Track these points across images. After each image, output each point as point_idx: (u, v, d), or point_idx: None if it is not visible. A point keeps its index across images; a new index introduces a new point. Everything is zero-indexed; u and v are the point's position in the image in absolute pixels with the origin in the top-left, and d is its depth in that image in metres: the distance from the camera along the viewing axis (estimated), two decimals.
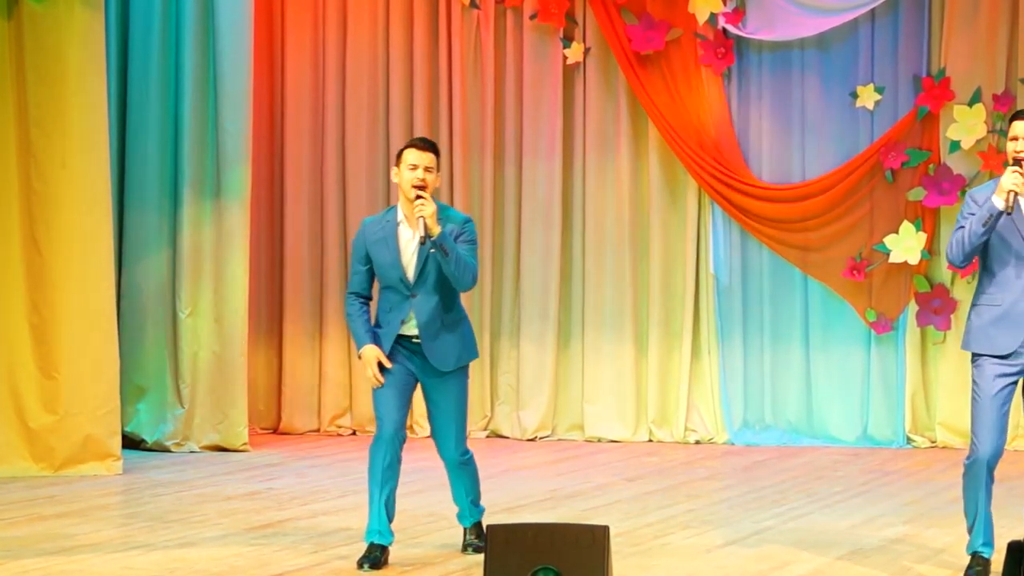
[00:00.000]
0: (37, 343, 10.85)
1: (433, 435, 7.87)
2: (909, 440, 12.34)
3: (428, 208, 7.43)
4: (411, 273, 7.60)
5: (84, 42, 10.84)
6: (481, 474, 10.90)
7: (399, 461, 7.75)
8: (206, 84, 12.22)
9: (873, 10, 12.34)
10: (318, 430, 13.34)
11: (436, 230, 7.44)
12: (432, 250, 7.50)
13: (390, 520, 7.75)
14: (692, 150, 12.52)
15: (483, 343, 13.03)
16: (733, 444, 12.56)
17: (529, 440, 12.79)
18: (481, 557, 6.44)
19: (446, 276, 7.55)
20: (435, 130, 13.11)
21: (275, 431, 13.42)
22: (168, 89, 12.24)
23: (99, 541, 8.34)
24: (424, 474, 10.96)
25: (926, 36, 12.32)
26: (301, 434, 13.29)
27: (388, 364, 7.63)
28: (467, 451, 7.90)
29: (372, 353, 7.62)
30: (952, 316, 12.23)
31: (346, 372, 13.32)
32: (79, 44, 10.83)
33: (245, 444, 12.24)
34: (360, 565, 7.62)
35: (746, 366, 12.69)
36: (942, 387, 12.31)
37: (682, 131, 12.56)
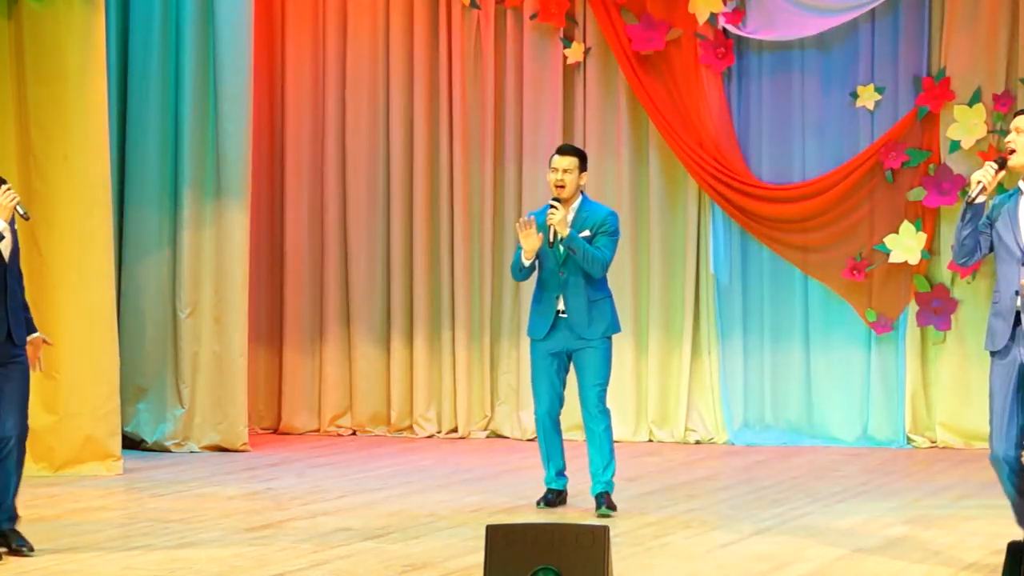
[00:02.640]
0: None
1: (579, 395, 9.17)
2: (909, 440, 12.34)
3: (556, 216, 8.95)
4: (551, 232, 9.03)
5: (84, 42, 10.84)
6: (481, 474, 10.92)
7: (557, 429, 9.29)
8: (206, 84, 12.23)
9: (873, 10, 12.34)
10: (318, 430, 13.34)
11: (564, 232, 8.95)
12: (562, 250, 8.96)
13: (560, 471, 9.33)
14: (692, 150, 12.52)
15: (483, 343, 13.05)
16: (733, 444, 12.56)
17: (529, 440, 12.78)
18: (481, 557, 6.43)
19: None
20: (435, 130, 13.12)
21: (275, 431, 13.43)
22: (168, 89, 12.24)
23: (99, 541, 8.34)
24: (424, 474, 10.97)
25: (926, 36, 12.32)
26: (301, 434, 13.30)
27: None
28: (605, 409, 9.19)
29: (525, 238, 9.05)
30: (952, 316, 12.23)
31: (346, 372, 13.32)
32: (79, 44, 10.84)
33: (245, 444, 12.24)
34: (538, 504, 9.29)
35: (746, 366, 12.69)
36: (942, 387, 12.31)
37: (682, 131, 12.56)
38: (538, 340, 9.17)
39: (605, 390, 9.18)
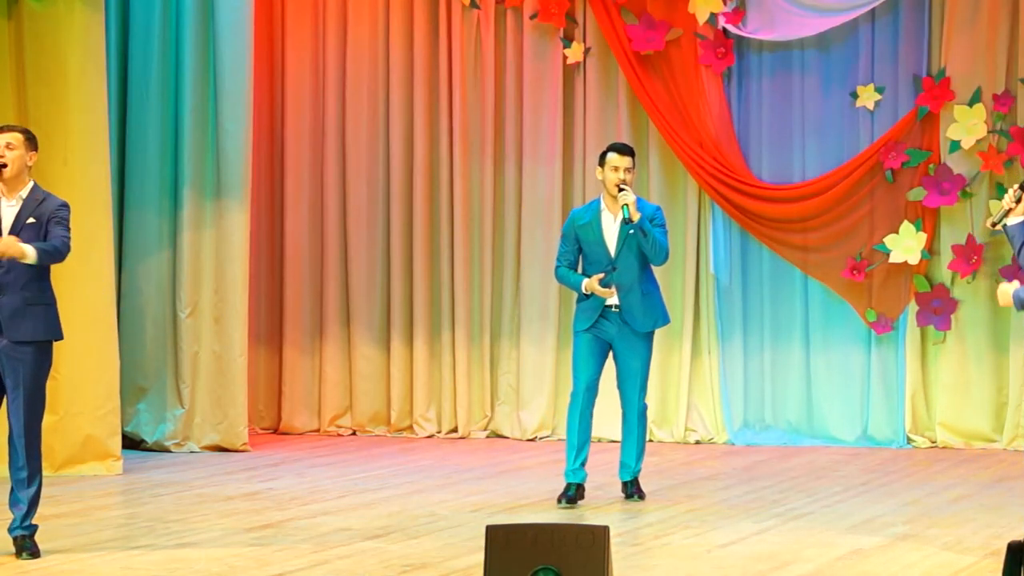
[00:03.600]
0: None
1: (619, 387, 9.49)
2: (909, 440, 12.34)
3: (631, 196, 9.18)
4: (613, 249, 9.32)
5: (84, 42, 10.85)
6: (481, 473, 10.92)
7: (591, 414, 9.44)
8: (206, 84, 12.23)
9: (873, 10, 12.34)
10: (318, 430, 13.34)
11: (637, 216, 9.17)
12: (631, 232, 9.19)
13: (584, 462, 9.39)
14: (692, 150, 12.52)
15: (483, 343, 13.05)
16: (733, 444, 12.56)
17: (529, 440, 12.79)
18: (481, 557, 6.43)
19: (641, 253, 9.28)
20: (435, 130, 13.12)
21: (275, 431, 13.43)
22: (168, 89, 12.24)
23: (99, 541, 8.34)
24: (424, 474, 10.97)
25: (926, 36, 12.31)
26: (301, 434, 13.30)
27: (603, 283, 9.28)
28: (645, 404, 9.53)
29: (590, 280, 9.29)
30: (952, 316, 12.23)
31: (346, 372, 13.32)
32: (79, 44, 10.84)
33: (245, 444, 12.24)
34: (559, 501, 9.35)
35: (746, 366, 12.70)
36: (942, 387, 12.31)
37: (682, 131, 12.56)
38: (581, 330, 9.41)
39: (647, 386, 9.54)
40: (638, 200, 9.32)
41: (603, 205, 9.46)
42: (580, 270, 9.53)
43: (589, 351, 9.42)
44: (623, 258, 9.34)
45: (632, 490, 9.63)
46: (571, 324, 12.90)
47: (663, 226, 9.41)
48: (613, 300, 9.35)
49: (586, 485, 9.53)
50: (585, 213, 9.52)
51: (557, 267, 9.57)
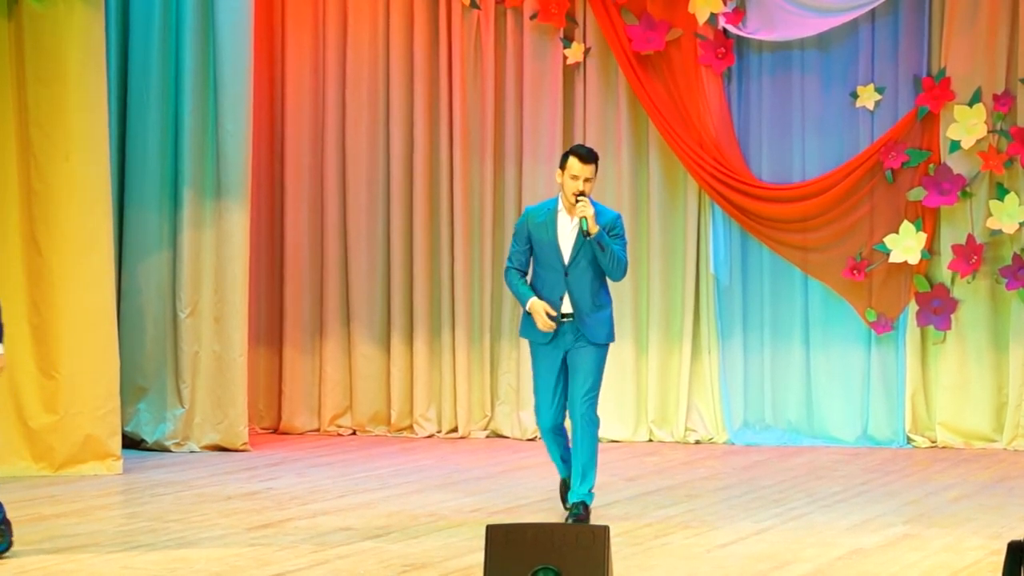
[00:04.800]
0: (37, 343, 10.85)
1: (568, 397, 8.82)
2: (909, 440, 12.34)
3: (589, 210, 8.54)
4: (567, 256, 8.69)
5: (84, 42, 10.85)
6: (481, 473, 10.91)
7: (564, 436, 8.95)
8: (206, 84, 12.23)
9: (873, 10, 12.34)
10: (318, 430, 13.34)
11: (595, 229, 8.56)
12: (588, 242, 8.60)
13: (568, 462, 8.96)
14: (692, 150, 12.52)
15: (483, 343, 13.05)
16: (733, 444, 12.56)
17: (529, 440, 12.79)
18: (481, 557, 6.43)
19: (597, 263, 8.67)
20: (435, 130, 13.12)
21: (275, 431, 13.43)
22: (168, 89, 12.24)
23: (99, 541, 8.34)
24: (424, 474, 10.97)
25: (926, 36, 12.31)
26: (301, 434, 13.30)
27: (553, 312, 8.67)
28: (595, 417, 8.82)
29: (539, 304, 8.70)
30: (952, 316, 12.23)
31: (346, 372, 13.32)
32: (79, 44, 10.84)
33: (245, 444, 12.25)
34: (563, 502, 9.05)
35: (746, 366, 12.69)
36: (942, 387, 12.31)
37: (682, 131, 12.56)
38: (542, 343, 8.79)
39: (597, 398, 8.84)
40: (596, 207, 8.69)
41: (560, 206, 8.76)
42: (531, 271, 8.91)
43: (548, 369, 8.79)
44: (577, 266, 8.69)
45: (577, 512, 8.76)
46: None
47: (623, 237, 8.77)
48: (567, 308, 8.70)
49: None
50: (541, 212, 8.83)
51: (507, 268, 8.91)
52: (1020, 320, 12.12)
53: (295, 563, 7.73)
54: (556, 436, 8.91)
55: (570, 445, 8.93)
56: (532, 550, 6.25)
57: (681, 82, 12.63)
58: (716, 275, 12.68)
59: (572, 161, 8.63)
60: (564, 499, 9.05)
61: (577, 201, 8.57)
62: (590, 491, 8.81)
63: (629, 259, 12.65)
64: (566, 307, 8.71)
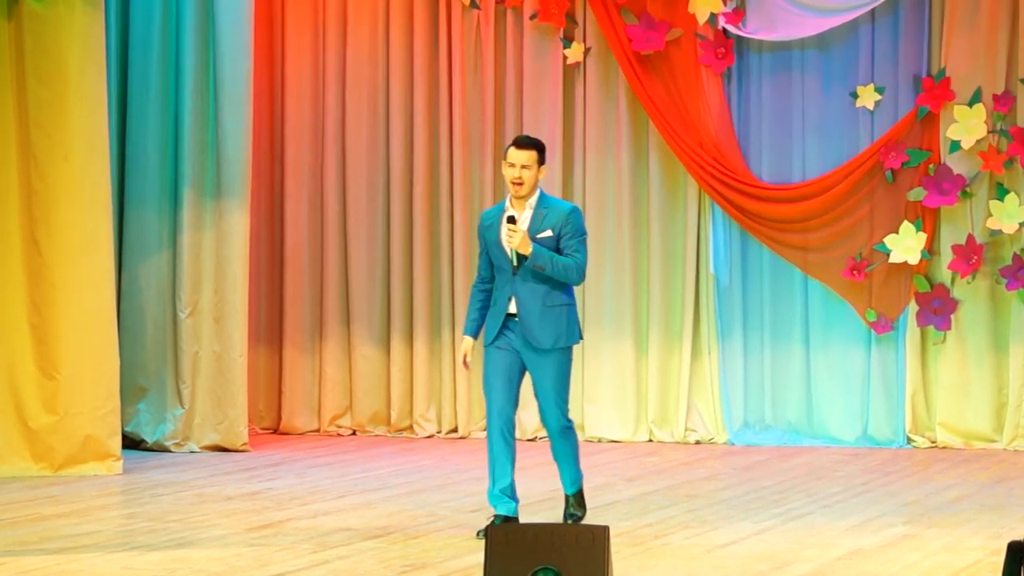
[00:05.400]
0: (37, 343, 10.86)
1: (539, 408, 8.48)
2: (909, 440, 12.34)
3: (515, 240, 8.14)
4: (514, 255, 8.23)
5: (84, 42, 10.85)
6: (481, 474, 10.91)
7: (511, 437, 8.34)
8: (206, 84, 12.23)
9: (873, 10, 12.34)
10: (318, 430, 13.34)
11: (527, 251, 8.16)
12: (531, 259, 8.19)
13: (506, 489, 8.33)
14: (692, 150, 12.52)
15: (483, 343, 13.03)
16: (733, 444, 12.56)
17: (529, 440, 12.78)
18: (481, 557, 6.43)
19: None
20: (435, 130, 13.12)
21: (275, 431, 13.43)
22: (168, 89, 12.25)
23: (99, 541, 8.34)
24: (424, 474, 10.97)
25: (926, 36, 12.32)
26: (301, 434, 13.30)
27: (469, 360, 8.45)
28: (568, 421, 8.46)
29: (464, 344, 8.51)
30: (952, 316, 12.23)
31: (346, 372, 13.32)
32: (79, 44, 10.84)
33: (245, 444, 12.25)
34: (478, 534, 8.27)
35: (746, 366, 12.69)
36: (942, 387, 12.31)
37: (682, 131, 12.56)
38: (488, 343, 8.38)
39: (565, 406, 8.41)
40: (547, 200, 8.30)
41: (508, 205, 8.32)
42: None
43: (495, 370, 8.31)
44: (525, 268, 8.21)
45: (571, 509, 8.70)
46: None
47: (579, 234, 8.29)
48: (512, 310, 8.27)
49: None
50: (491, 214, 8.45)
51: (473, 285, 8.56)
52: (1020, 320, 12.12)
53: (295, 563, 7.73)
54: (504, 439, 8.30)
55: (514, 455, 8.37)
56: (532, 550, 6.25)
57: (681, 82, 12.63)
58: (716, 275, 12.68)
59: (509, 150, 8.29)
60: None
61: (507, 228, 8.18)
62: (579, 480, 8.73)
63: (629, 258, 12.90)
64: (512, 308, 8.28)
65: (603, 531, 6.26)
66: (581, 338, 8.49)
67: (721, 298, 12.71)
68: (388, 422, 13.28)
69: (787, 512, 9.24)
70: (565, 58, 12.86)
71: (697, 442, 12.64)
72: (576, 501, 8.78)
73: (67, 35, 10.82)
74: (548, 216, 8.27)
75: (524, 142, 8.29)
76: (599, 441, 12.75)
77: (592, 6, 12.75)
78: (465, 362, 8.47)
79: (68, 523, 8.92)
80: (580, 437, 12.71)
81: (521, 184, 8.20)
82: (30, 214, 10.84)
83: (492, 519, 8.31)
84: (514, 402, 8.36)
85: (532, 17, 12.87)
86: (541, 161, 8.29)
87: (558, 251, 8.29)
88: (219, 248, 12.26)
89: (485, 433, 12.41)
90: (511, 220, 8.18)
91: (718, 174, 12.50)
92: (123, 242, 12.27)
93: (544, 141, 12.74)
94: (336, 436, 13.19)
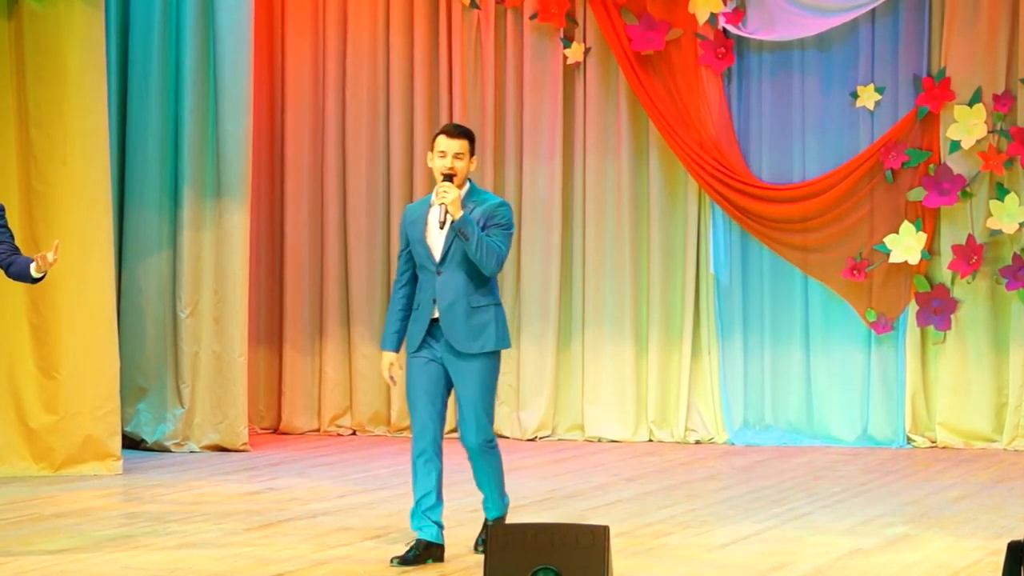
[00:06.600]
0: (37, 343, 10.86)
1: (458, 422, 7.88)
2: (909, 440, 12.34)
3: (450, 195, 7.57)
4: (437, 252, 7.70)
5: (84, 42, 10.85)
6: None
7: (436, 457, 7.78)
8: (206, 84, 12.23)
9: (873, 10, 12.34)
10: (318, 430, 13.34)
11: (458, 214, 7.57)
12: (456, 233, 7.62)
13: (429, 511, 7.74)
14: (692, 150, 12.52)
15: (407, 350, 12.96)
16: (733, 444, 12.56)
17: (529, 440, 12.79)
18: (482, 557, 6.44)
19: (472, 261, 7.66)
20: (435, 130, 13.07)
21: (275, 431, 13.43)
22: (168, 89, 12.24)
23: (99, 541, 8.34)
24: None
25: (926, 36, 12.32)
26: (301, 434, 13.30)
27: (396, 378, 7.87)
28: (490, 439, 7.86)
29: (384, 360, 7.84)
30: (952, 316, 12.23)
31: (346, 372, 13.32)
32: (79, 44, 10.84)
33: (245, 444, 12.24)
34: (392, 561, 7.66)
35: (746, 366, 12.69)
36: (942, 387, 12.31)
37: (682, 131, 12.56)
38: (411, 352, 7.78)
39: (488, 419, 7.79)
40: (477, 193, 7.79)
41: (435, 198, 7.75)
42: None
43: (417, 384, 7.73)
44: (449, 264, 7.66)
45: (484, 536, 7.73)
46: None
47: (502, 225, 7.72)
48: (435, 314, 7.70)
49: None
50: (416, 208, 7.89)
51: (393, 287, 7.98)
52: (1020, 320, 12.12)
53: (295, 563, 7.73)
54: (428, 462, 7.75)
55: (439, 475, 7.82)
56: (532, 550, 6.26)
57: (681, 82, 12.63)
58: (716, 275, 12.68)
59: (438, 139, 7.74)
60: (403, 560, 7.65)
61: (441, 185, 7.63)
62: (502, 505, 8.05)
63: (629, 258, 12.90)
64: (435, 313, 7.70)
65: (603, 531, 6.26)
66: (510, 344, 7.89)
67: (721, 298, 12.71)
68: (388, 422, 13.28)
69: (787, 512, 9.24)
70: (565, 58, 12.87)
71: (697, 442, 12.64)
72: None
73: (67, 35, 10.82)
74: (475, 209, 7.71)
75: (455, 130, 7.78)
76: (599, 441, 12.75)
77: (592, 6, 12.75)
78: (391, 377, 7.86)
79: (68, 523, 8.92)
80: (580, 437, 12.81)
81: (454, 175, 7.65)
82: (30, 214, 10.83)
83: (409, 545, 7.73)
84: (437, 419, 7.74)
85: (532, 17, 12.87)
86: (472, 151, 7.79)
87: None
88: (219, 248, 12.26)
89: None
90: (447, 178, 7.61)
91: (718, 174, 12.50)
92: (123, 242, 12.27)
93: (544, 141, 12.91)
94: (336, 436, 13.19)
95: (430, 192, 7.82)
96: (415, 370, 7.75)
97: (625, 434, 12.76)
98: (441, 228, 7.63)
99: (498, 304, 7.83)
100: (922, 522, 8.86)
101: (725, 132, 12.59)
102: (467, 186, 7.77)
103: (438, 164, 7.68)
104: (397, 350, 7.87)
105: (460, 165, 7.68)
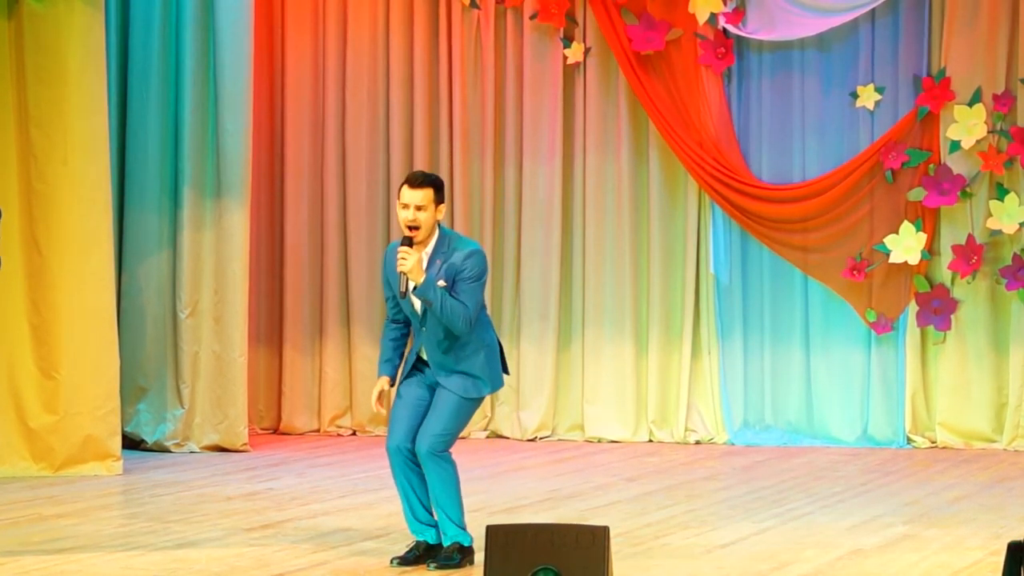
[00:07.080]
0: (37, 343, 10.85)
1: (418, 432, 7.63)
2: (909, 440, 12.34)
3: (408, 263, 7.32)
4: (419, 304, 7.49)
5: (84, 42, 10.84)
6: (481, 474, 10.87)
7: (411, 468, 7.61)
8: (206, 84, 12.23)
9: (873, 10, 12.34)
10: (318, 430, 13.34)
11: (419, 279, 7.34)
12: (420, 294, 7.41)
13: (420, 516, 7.65)
14: (692, 150, 12.52)
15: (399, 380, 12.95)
16: (733, 444, 12.56)
17: (529, 440, 12.79)
18: (482, 557, 6.43)
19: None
20: (435, 130, 13.12)
21: (275, 431, 13.42)
22: (168, 89, 12.24)
23: (99, 541, 8.34)
24: None
25: (926, 36, 12.31)
26: (301, 434, 13.29)
27: (382, 406, 7.75)
28: (443, 451, 7.59)
29: (377, 384, 7.65)
30: (952, 316, 12.23)
31: (346, 372, 13.31)
32: (79, 44, 10.83)
33: (245, 444, 12.24)
34: (392, 561, 7.63)
35: (746, 366, 12.69)
36: (942, 387, 12.31)
37: (682, 131, 12.56)
38: (401, 381, 7.69)
39: (446, 440, 7.57)
40: (448, 241, 7.46)
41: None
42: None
43: (402, 401, 7.61)
44: (430, 321, 7.46)
45: (442, 558, 7.56)
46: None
47: (471, 278, 7.41)
48: (424, 357, 7.57)
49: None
50: (396, 256, 7.48)
51: (384, 323, 7.80)
52: (1020, 320, 12.12)
53: (295, 563, 7.73)
54: (404, 472, 7.63)
55: (419, 481, 7.68)
56: (532, 550, 6.25)
57: (681, 82, 12.63)
58: (716, 275, 12.68)
59: (402, 188, 7.41)
60: (403, 560, 7.62)
61: (401, 249, 7.38)
62: (462, 529, 7.66)
63: (630, 258, 12.89)
64: (424, 356, 7.59)
65: (603, 531, 6.26)
66: (502, 383, 7.70)
67: (721, 298, 12.71)
68: (388, 422, 13.26)
69: (787, 512, 9.24)
70: (565, 58, 12.86)
71: (697, 442, 12.63)
72: (452, 552, 7.61)
73: (67, 35, 10.81)
74: (445, 266, 7.42)
75: (418, 179, 7.39)
76: (599, 441, 12.75)
77: (592, 6, 12.75)
78: (379, 402, 7.67)
79: (68, 523, 8.92)
80: (580, 437, 12.81)
81: (417, 228, 7.35)
82: (30, 214, 10.83)
83: (409, 545, 7.66)
84: (413, 435, 7.57)
85: (532, 17, 12.86)
86: (439, 200, 7.42)
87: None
88: (219, 248, 12.25)
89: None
90: (407, 243, 7.36)
91: (718, 174, 12.49)
92: (123, 242, 12.27)
93: (544, 141, 12.90)
94: (336, 436, 13.18)
95: (387, 205, 7.67)
96: (402, 391, 7.63)
97: (625, 434, 12.76)
98: (403, 296, 7.42)
99: (488, 344, 7.59)
100: (922, 522, 8.86)
101: (725, 132, 12.59)
102: (436, 236, 7.47)
103: (401, 216, 7.41)
104: (393, 376, 7.71)
105: (424, 217, 7.36)
